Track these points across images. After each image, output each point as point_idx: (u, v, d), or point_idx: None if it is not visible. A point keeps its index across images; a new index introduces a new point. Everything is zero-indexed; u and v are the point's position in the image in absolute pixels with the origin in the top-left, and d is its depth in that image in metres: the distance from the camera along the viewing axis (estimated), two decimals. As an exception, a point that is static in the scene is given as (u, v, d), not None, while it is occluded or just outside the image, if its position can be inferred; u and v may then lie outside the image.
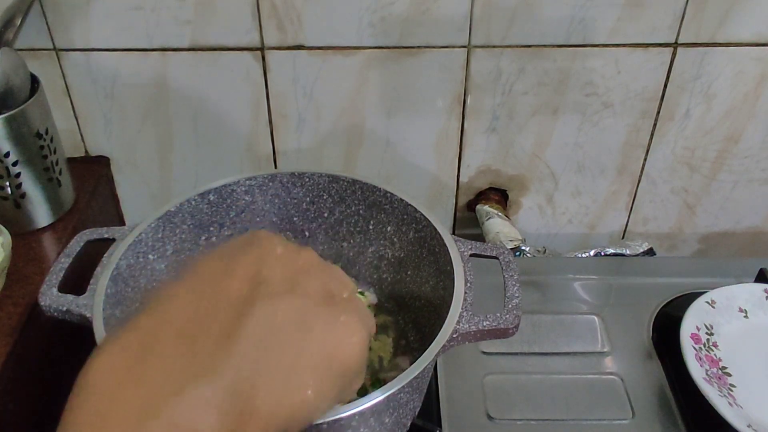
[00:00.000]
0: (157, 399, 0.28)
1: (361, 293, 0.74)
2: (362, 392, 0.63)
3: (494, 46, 0.76)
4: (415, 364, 0.51)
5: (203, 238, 0.68)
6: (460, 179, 0.88)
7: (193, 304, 0.32)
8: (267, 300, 0.33)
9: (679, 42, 0.76)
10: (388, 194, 0.68)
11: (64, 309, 0.55)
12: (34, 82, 0.72)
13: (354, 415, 0.48)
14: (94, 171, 0.85)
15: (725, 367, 0.67)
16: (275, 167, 0.87)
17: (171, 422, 0.27)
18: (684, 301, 0.73)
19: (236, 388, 0.29)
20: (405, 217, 0.67)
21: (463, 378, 0.68)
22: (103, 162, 0.86)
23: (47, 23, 0.75)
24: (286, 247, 0.36)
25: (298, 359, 0.32)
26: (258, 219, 0.71)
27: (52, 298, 0.56)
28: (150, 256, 0.63)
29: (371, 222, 0.70)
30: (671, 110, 0.81)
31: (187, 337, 0.30)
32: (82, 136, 0.84)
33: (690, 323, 0.69)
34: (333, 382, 0.34)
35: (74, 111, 0.82)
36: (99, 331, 0.52)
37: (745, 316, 0.72)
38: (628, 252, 0.84)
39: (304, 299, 0.34)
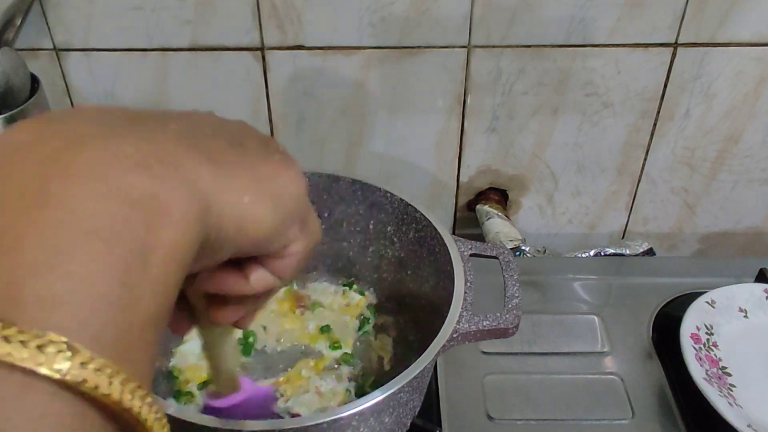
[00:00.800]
0: (61, 151, 0.23)
1: (361, 293, 0.74)
2: (361, 392, 0.64)
3: (494, 46, 0.76)
4: (415, 363, 0.51)
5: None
6: (460, 179, 0.88)
7: (115, 112, 0.27)
8: (202, 118, 0.29)
9: (679, 42, 0.76)
10: (388, 194, 0.68)
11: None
12: (34, 82, 0.72)
13: (354, 414, 0.48)
14: (94, 171, 0.84)
15: (725, 367, 0.67)
16: (275, 167, 0.87)
17: (77, 169, 0.23)
18: (684, 301, 0.73)
19: (159, 157, 0.25)
20: (405, 217, 0.67)
21: (463, 378, 0.68)
22: (103, 162, 0.86)
23: (47, 23, 0.75)
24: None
25: (231, 165, 0.28)
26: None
27: None
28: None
29: (371, 222, 0.70)
30: (671, 110, 0.81)
31: (106, 125, 0.25)
32: (82, 136, 0.84)
33: (690, 323, 0.69)
34: (270, 199, 0.29)
35: (74, 111, 0.82)
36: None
37: (745, 316, 0.72)
38: (628, 252, 0.84)
39: (239, 135, 0.30)
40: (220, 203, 0.26)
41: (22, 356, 0.19)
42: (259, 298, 0.35)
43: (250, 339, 0.69)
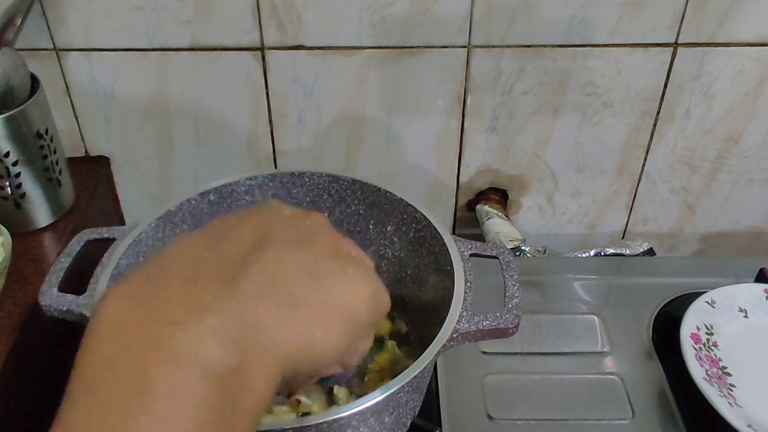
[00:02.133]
0: (159, 334, 0.28)
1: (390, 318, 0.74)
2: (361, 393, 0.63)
3: (494, 46, 0.76)
4: (415, 363, 0.51)
5: (203, 238, 0.68)
6: (460, 179, 0.88)
7: (199, 251, 0.32)
8: (274, 248, 0.32)
9: (679, 42, 0.76)
10: (388, 194, 0.68)
11: (64, 309, 0.55)
12: (34, 82, 0.72)
13: (354, 414, 0.48)
14: (94, 171, 0.85)
15: (725, 367, 0.67)
16: (275, 167, 0.87)
17: (173, 353, 0.27)
18: (684, 301, 0.73)
19: (240, 322, 0.29)
20: (405, 217, 0.67)
21: (463, 378, 0.68)
22: (103, 162, 0.86)
23: (47, 23, 0.75)
24: (295, 210, 0.36)
25: (304, 300, 0.32)
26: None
27: (52, 297, 0.56)
28: (150, 256, 0.63)
29: (371, 222, 0.70)
30: (671, 110, 0.81)
31: (191, 279, 0.30)
32: (82, 136, 0.84)
33: (690, 323, 0.69)
34: (341, 326, 0.34)
35: (74, 111, 0.82)
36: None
37: (745, 316, 0.72)
38: (628, 252, 0.84)
39: (312, 250, 0.34)
40: (295, 349, 0.31)
41: None
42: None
43: None
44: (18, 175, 0.71)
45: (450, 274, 0.59)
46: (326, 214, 0.70)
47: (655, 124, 0.82)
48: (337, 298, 0.34)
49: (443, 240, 0.62)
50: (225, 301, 0.30)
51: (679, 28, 0.75)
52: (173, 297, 0.29)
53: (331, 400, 0.61)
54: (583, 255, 0.84)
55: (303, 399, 0.59)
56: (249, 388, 0.28)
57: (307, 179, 0.70)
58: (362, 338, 0.36)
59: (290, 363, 0.31)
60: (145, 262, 0.32)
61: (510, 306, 0.57)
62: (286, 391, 0.41)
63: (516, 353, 0.71)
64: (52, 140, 0.73)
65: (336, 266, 0.34)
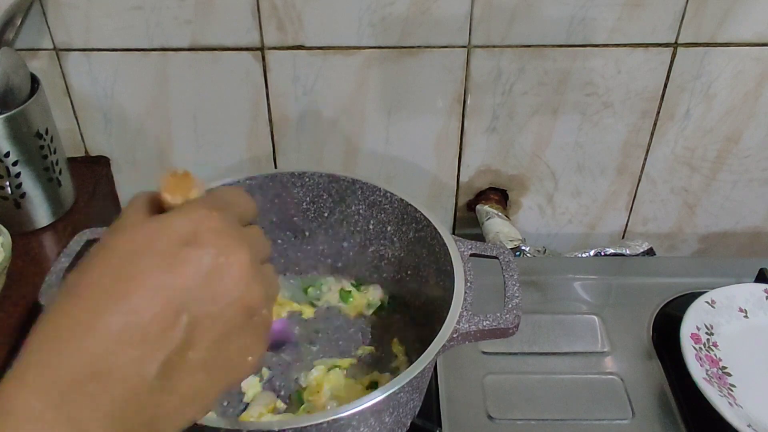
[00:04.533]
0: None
1: (357, 287, 0.74)
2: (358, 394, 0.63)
3: (494, 46, 0.76)
4: (415, 363, 0.51)
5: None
6: (460, 179, 0.88)
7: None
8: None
9: (679, 42, 0.76)
10: (388, 194, 0.68)
11: (64, 309, 0.55)
12: (34, 82, 0.72)
13: (354, 414, 0.48)
14: (94, 171, 0.85)
15: (725, 367, 0.67)
16: (275, 167, 0.87)
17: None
18: (684, 301, 0.73)
19: None
20: (405, 217, 0.67)
21: (463, 378, 0.68)
22: (103, 162, 0.86)
23: (47, 23, 0.75)
24: (220, 248, 0.34)
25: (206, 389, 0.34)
26: (258, 219, 0.71)
27: (52, 297, 0.56)
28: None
29: (371, 222, 0.70)
30: (671, 110, 0.81)
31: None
32: (82, 136, 0.84)
33: (690, 323, 0.69)
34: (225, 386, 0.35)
35: (74, 111, 0.82)
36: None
37: (745, 316, 0.72)
38: (628, 252, 0.84)
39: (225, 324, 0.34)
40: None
41: None
42: None
43: None
44: (18, 175, 0.71)
45: (450, 274, 0.59)
46: (326, 214, 0.71)
47: (655, 124, 0.82)
48: (233, 364, 0.35)
49: (443, 240, 0.62)
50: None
51: (679, 28, 0.75)
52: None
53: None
54: (583, 255, 0.84)
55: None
56: None
57: (307, 179, 0.70)
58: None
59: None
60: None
61: (510, 306, 0.57)
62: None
63: (516, 353, 0.71)
64: (52, 140, 0.73)
65: (242, 337, 0.35)
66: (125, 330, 0.30)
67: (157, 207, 0.36)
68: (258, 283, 0.35)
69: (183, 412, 0.33)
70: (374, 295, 0.73)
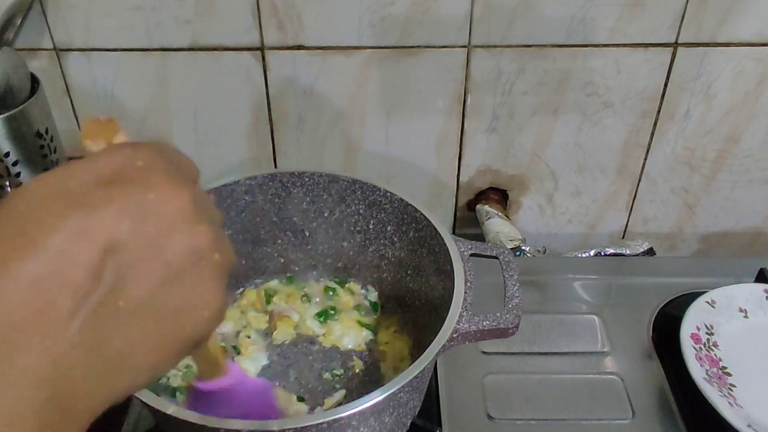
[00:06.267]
0: None
1: (345, 283, 0.74)
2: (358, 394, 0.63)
3: (494, 46, 0.76)
4: (415, 363, 0.51)
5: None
6: (460, 179, 0.88)
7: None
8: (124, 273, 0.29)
9: (679, 42, 0.76)
10: (388, 194, 0.68)
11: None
12: (34, 82, 0.72)
13: (354, 414, 0.48)
14: (94, 171, 0.84)
15: (725, 367, 0.67)
16: (275, 167, 0.87)
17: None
18: (684, 301, 0.73)
19: None
20: (405, 216, 0.67)
21: (463, 378, 0.68)
22: (103, 162, 0.86)
23: (47, 23, 0.75)
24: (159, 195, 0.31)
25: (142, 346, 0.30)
26: (258, 218, 0.72)
27: None
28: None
29: (371, 222, 0.70)
30: (671, 110, 0.81)
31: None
32: (82, 136, 0.84)
33: (690, 323, 0.69)
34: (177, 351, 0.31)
35: (74, 111, 0.82)
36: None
37: (745, 316, 0.72)
38: (628, 252, 0.84)
39: (165, 269, 0.30)
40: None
41: None
42: None
43: None
44: (18, 175, 0.71)
45: (450, 274, 0.59)
46: (326, 214, 0.71)
47: (655, 124, 0.82)
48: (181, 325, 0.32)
49: (443, 240, 0.62)
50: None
51: (679, 28, 0.75)
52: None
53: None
54: (583, 255, 0.84)
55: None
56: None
57: (307, 179, 0.70)
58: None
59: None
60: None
61: (510, 306, 0.57)
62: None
63: (516, 353, 0.71)
64: (52, 140, 0.73)
65: (187, 284, 0.31)
66: (37, 278, 0.27)
67: None
68: (202, 222, 0.31)
69: (118, 376, 0.29)
70: (373, 295, 0.73)
